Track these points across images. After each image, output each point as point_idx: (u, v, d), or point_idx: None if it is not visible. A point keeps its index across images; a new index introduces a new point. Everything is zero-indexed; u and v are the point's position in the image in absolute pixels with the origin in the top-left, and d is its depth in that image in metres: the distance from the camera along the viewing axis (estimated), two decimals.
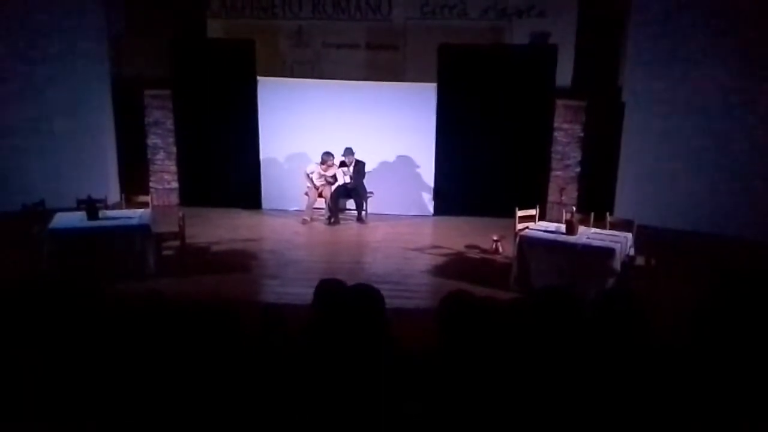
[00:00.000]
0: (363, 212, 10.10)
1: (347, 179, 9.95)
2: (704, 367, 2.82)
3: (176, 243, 8.21)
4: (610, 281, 6.80)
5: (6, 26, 9.62)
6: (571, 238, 7.18)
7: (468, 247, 8.92)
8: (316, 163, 9.92)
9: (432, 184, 10.44)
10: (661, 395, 2.63)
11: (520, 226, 7.98)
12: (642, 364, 2.80)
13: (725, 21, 8.91)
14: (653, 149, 9.47)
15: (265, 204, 10.65)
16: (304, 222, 9.92)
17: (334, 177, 9.93)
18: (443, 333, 2.93)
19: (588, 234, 7.33)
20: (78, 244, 7.33)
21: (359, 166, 9.96)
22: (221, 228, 9.55)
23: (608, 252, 6.89)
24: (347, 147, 9.90)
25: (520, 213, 8.19)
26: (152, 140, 10.66)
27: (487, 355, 2.75)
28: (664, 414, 2.59)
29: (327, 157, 9.83)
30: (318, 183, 9.92)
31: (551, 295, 3.21)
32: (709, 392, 2.68)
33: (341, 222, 10.08)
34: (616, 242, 7.05)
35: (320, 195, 9.99)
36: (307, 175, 9.96)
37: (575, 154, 10.09)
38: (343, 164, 9.97)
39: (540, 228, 7.62)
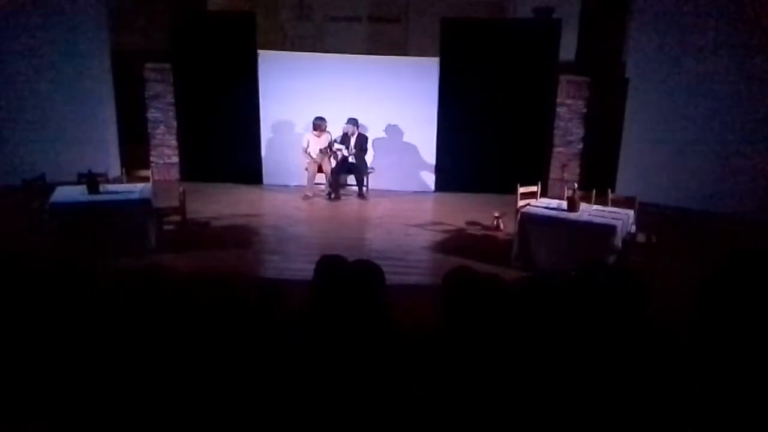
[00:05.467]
0: (364, 188, 10.07)
1: (346, 153, 9.86)
2: (706, 345, 2.83)
3: (177, 218, 8.20)
4: (611, 258, 6.80)
5: (4, 1, 9.51)
6: (572, 215, 7.17)
7: (469, 223, 8.91)
8: (310, 132, 9.84)
9: (433, 160, 10.41)
10: (662, 374, 2.63)
11: (521, 202, 7.95)
12: (642, 341, 2.81)
13: None
14: (656, 126, 9.41)
15: (265, 179, 10.63)
16: (306, 198, 9.89)
17: (329, 147, 9.83)
18: (446, 309, 2.93)
19: (590, 211, 7.31)
20: (79, 218, 7.32)
21: (361, 139, 9.89)
22: (222, 203, 9.54)
23: (609, 229, 6.88)
24: (351, 117, 9.81)
25: (521, 189, 8.16)
26: (152, 114, 10.60)
27: (490, 333, 2.75)
28: (664, 392, 2.59)
29: (319, 121, 9.71)
30: (315, 156, 9.85)
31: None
32: (710, 370, 2.68)
33: (342, 198, 10.07)
34: (618, 219, 7.03)
35: (320, 170, 9.94)
36: (305, 150, 9.90)
37: (578, 131, 10.04)
38: (343, 139, 9.89)
39: (541, 205, 7.61)
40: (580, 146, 10.05)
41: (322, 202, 9.95)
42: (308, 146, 9.86)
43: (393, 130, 10.38)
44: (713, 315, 3.08)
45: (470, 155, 10.22)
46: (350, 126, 9.80)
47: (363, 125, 10.05)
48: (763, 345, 2.83)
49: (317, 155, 9.83)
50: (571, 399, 2.53)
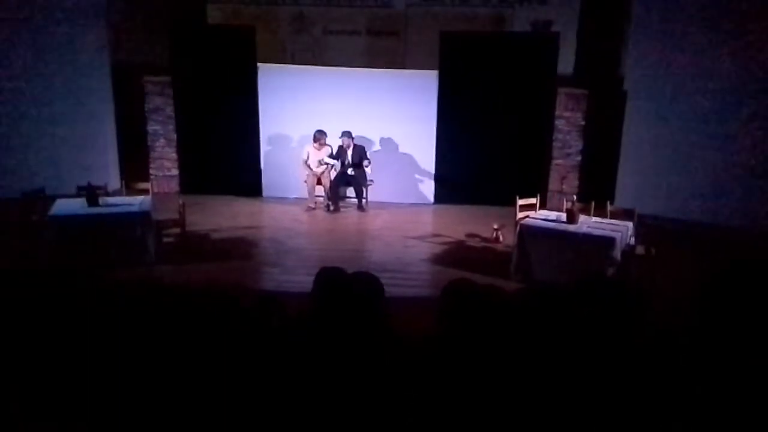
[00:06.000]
0: (363, 200, 10.08)
1: (338, 167, 9.87)
2: (705, 357, 2.82)
3: (176, 230, 8.20)
4: (610, 271, 6.80)
5: (6, 14, 9.55)
6: (571, 227, 7.17)
7: (468, 235, 8.92)
8: (310, 144, 9.87)
9: (433, 172, 10.42)
10: (661, 384, 2.63)
11: (520, 214, 7.96)
12: (642, 353, 2.80)
13: (728, 10, 8.85)
14: (654, 138, 9.44)
15: (265, 192, 10.64)
16: (308, 209, 9.92)
17: (323, 160, 9.86)
18: (445, 321, 2.93)
19: (589, 223, 7.32)
20: (78, 231, 7.33)
21: (359, 150, 9.91)
22: (221, 215, 9.54)
23: (609, 241, 6.89)
24: (345, 130, 9.84)
25: (520, 201, 8.17)
26: (152, 127, 10.63)
27: (488, 344, 2.75)
28: (662, 400, 2.59)
29: (319, 135, 9.76)
30: (315, 168, 9.87)
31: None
32: (709, 382, 2.68)
33: (341, 210, 10.07)
34: (617, 231, 7.04)
35: (319, 182, 9.96)
36: (305, 162, 9.93)
37: (576, 143, 10.07)
38: (339, 152, 9.90)
39: (541, 217, 7.61)
40: (579, 158, 10.08)
41: (321, 215, 9.95)
42: (308, 158, 9.90)
43: (392, 142, 10.41)
44: (713, 321, 3.08)
45: (469, 167, 10.24)
46: (345, 139, 9.83)
47: (364, 138, 10.07)
48: (762, 350, 2.83)
49: (317, 167, 9.87)
50: (570, 408, 2.52)
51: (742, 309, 3.09)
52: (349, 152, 9.88)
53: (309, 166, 9.90)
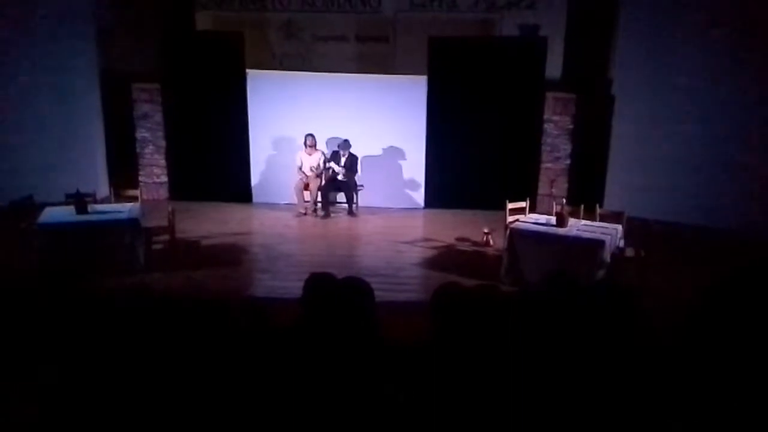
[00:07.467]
0: (353, 205, 10.08)
1: (337, 174, 9.89)
2: (696, 360, 2.84)
3: (166, 237, 8.17)
4: (600, 273, 6.83)
5: None
6: (561, 231, 7.20)
7: (459, 239, 8.93)
8: (301, 150, 9.88)
9: (423, 177, 10.44)
10: (652, 388, 2.64)
11: (510, 218, 7.99)
12: (634, 356, 2.82)
13: (714, 13, 8.93)
14: (643, 141, 9.49)
15: (255, 197, 10.62)
16: (299, 215, 9.91)
17: (319, 167, 9.87)
18: (435, 325, 2.93)
19: (578, 226, 7.35)
20: (67, 239, 7.28)
21: (352, 159, 9.92)
22: (211, 222, 9.51)
23: (598, 244, 6.92)
24: (345, 139, 9.87)
25: (510, 205, 8.20)
26: (141, 134, 10.59)
27: (480, 347, 2.75)
28: (654, 402, 2.60)
29: (307, 138, 9.75)
30: (310, 174, 9.87)
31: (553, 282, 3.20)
32: (700, 386, 2.69)
33: (332, 215, 10.07)
34: (606, 234, 7.07)
35: (306, 188, 9.95)
36: (299, 168, 9.93)
37: (565, 147, 10.11)
38: (334, 156, 9.92)
39: (530, 220, 7.64)
40: (568, 162, 10.13)
41: (311, 220, 9.94)
42: (302, 165, 9.91)
43: (382, 147, 10.42)
44: (699, 329, 3.10)
45: (459, 172, 10.26)
46: (343, 148, 9.84)
47: (353, 143, 10.08)
48: (749, 358, 2.84)
49: (311, 173, 9.87)
50: (562, 409, 2.53)
51: (741, 313, 3.11)
52: (343, 160, 9.89)
53: (304, 173, 9.91)
